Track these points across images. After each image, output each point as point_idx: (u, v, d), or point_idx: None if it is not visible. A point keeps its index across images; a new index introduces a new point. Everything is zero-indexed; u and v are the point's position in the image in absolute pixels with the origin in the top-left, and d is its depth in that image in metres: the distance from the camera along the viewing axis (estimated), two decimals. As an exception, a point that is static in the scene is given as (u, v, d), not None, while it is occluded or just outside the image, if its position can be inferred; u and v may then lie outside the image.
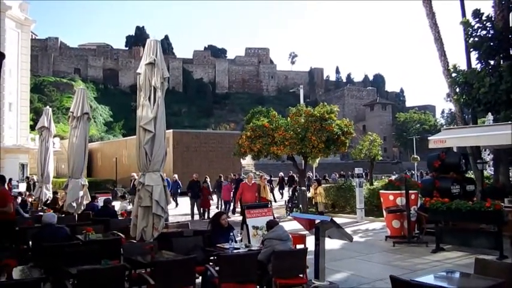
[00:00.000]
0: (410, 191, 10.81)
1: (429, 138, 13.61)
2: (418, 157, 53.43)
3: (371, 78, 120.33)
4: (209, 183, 18.65)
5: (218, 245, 6.38)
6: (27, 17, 26.71)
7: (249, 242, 7.79)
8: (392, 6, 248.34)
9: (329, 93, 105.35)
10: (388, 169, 61.83)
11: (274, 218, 13.63)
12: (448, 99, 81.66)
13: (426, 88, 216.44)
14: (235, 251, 5.95)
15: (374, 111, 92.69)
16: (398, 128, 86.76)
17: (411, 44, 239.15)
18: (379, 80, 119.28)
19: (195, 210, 17.18)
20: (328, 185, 20.42)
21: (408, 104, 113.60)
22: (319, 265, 6.51)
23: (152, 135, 6.72)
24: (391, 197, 11.35)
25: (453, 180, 11.42)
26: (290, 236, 6.06)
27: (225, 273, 5.25)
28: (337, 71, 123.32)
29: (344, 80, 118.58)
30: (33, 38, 75.19)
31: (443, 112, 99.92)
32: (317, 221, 6.77)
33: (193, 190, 17.14)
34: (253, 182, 15.10)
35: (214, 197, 19.86)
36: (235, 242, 6.29)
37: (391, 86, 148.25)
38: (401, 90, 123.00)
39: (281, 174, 23.79)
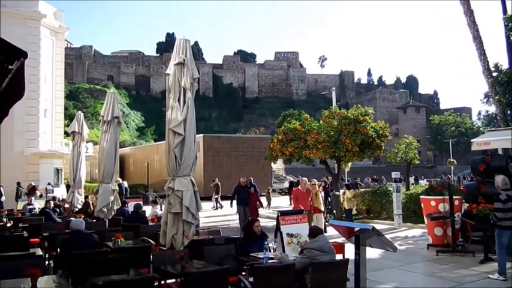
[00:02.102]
0: (453, 197, 10.14)
1: (472, 140, 12.89)
2: (455, 161, 51.68)
3: (403, 80, 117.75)
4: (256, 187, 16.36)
5: (251, 254, 6.01)
6: (61, 25, 27.23)
7: (283, 250, 7.40)
8: (424, 6, 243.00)
9: (360, 96, 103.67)
10: (422, 173, 60.11)
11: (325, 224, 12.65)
12: (485, 100, 78.96)
13: (461, 90, 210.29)
14: (270, 261, 5.57)
15: (407, 114, 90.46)
16: (432, 131, 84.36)
17: (445, 45, 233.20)
18: (411, 82, 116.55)
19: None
20: (363, 189, 19.75)
21: (442, 106, 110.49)
22: (360, 276, 6.05)
23: (182, 138, 6.44)
24: (433, 203, 10.69)
25: (500, 185, 10.65)
26: (333, 249, 5.61)
27: (260, 286, 4.87)
28: (369, 73, 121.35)
29: (375, 83, 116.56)
30: (68, 46, 77.52)
31: (479, 114, 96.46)
32: (357, 229, 6.31)
33: (240, 196, 15.13)
34: (307, 188, 11.97)
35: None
36: (270, 251, 5.91)
37: (424, 88, 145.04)
38: (435, 93, 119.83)
39: (290, 178, 22.94)
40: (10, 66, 3.50)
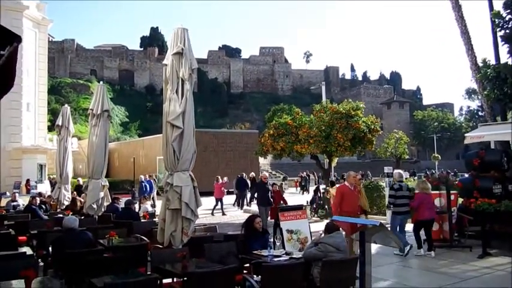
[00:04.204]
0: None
1: (466, 134, 12.90)
2: (439, 156, 52.33)
3: (387, 76, 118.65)
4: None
5: (254, 251, 5.79)
6: (44, 17, 26.45)
7: (284, 247, 7.20)
8: (407, 3, 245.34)
9: (345, 91, 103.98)
10: (406, 168, 60.60)
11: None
12: (467, 96, 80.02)
13: (443, 86, 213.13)
14: (275, 259, 5.35)
15: (391, 110, 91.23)
16: (416, 127, 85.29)
17: (427, 41, 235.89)
18: (395, 77, 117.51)
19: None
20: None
21: (425, 102, 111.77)
22: (365, 273, 5.89)
23: (180, 132, 6.16)
24: (429, 198, 10.61)
25: (495, 180, 10.66)
26: (346, 247, 5.42)
27: (268, 284, 4.65)
28: (352, 69, 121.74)
29: (360, 79, 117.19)
30: (50, 40, 75.76)
31: (461, 109, 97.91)
32: (360, 225, 6.15)
33: (262, 194, 12.94)
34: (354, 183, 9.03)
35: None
36: (274, 248, 5.70)
37: (407, 84, 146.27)
38: (418, 88, 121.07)
39: (252, 174, 22.73)
40: (2, 52, 3.20)
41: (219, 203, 18.53)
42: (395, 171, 10.69)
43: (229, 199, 23.17)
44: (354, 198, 8.71)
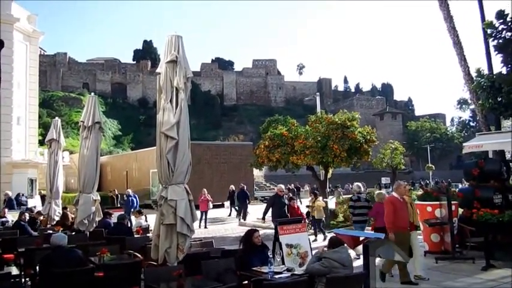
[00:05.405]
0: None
1: (464, 144, 12.78)
2: (433, 166, 52.42)
3: (379, 87, 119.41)
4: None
5: (254, 268, 5.50)
6: (35, 29, 26.16)
7: (283, 262, 6.92)
8: (397, 16, 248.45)
9: (338, 103, 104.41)
10: (402, 179, 60.42)
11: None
12: (458, 106, 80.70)
13: (435, 96, 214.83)
14: (276, 276, 5.07)
15: (384, 121, 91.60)
16: (409, 137, 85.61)
17: (417, 53, 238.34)
18: (387, 89, 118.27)
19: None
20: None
21: (417, 113, 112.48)
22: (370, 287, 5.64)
23: (175, 143, 5.90)
24: (429, 209, 10.40)
25: (495, 189, 10.50)
26: (352, 263, 5.15)
27: (270, 305, 4.38)
28: (346, 81, 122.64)
29: (352, 90, 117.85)
30: (42, 53, 75.52)
31: (452, 120, 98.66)
32: (363, 238, 5.91)
33: (278, 209, 11.36)
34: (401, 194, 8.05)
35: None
36: (273, 264, 5.41)
37: (399, 95, 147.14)
38: (410, 99, 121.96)
39: (232, 187, 22.46)
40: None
41: (204, 215, 18.71)
42: (355, 184, 11.59)
43: (221, 212, 23.10)
44: (406, 211, 7.83)
